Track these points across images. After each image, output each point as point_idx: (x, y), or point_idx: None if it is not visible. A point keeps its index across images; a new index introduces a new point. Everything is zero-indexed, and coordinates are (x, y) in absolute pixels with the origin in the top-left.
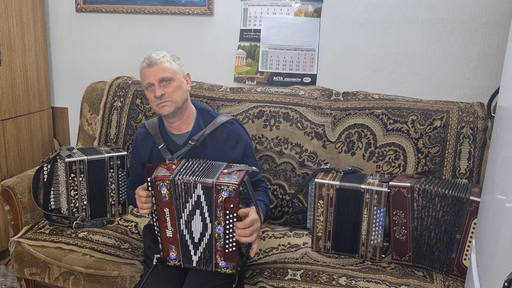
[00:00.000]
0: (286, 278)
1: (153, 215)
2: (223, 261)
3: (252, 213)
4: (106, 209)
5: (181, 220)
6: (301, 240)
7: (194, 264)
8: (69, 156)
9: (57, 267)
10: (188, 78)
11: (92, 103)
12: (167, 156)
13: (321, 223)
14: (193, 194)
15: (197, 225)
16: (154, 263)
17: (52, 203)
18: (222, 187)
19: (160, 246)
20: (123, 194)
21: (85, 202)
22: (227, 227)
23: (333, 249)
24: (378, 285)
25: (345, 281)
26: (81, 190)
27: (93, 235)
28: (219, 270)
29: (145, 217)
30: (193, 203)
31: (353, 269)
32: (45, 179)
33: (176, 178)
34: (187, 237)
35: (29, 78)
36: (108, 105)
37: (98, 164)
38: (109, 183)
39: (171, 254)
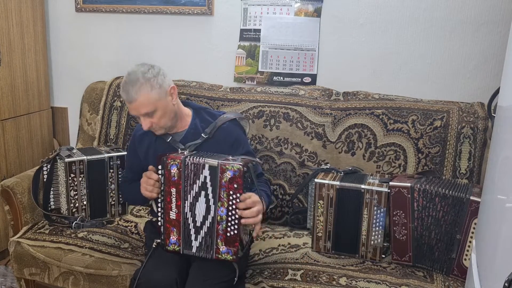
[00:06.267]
0: (286, 278)
1: (159, 196)
2: (224, 246)
3: (253, 195)
4: (105, 209)
5: (186, 202)
6: (301, 240)
7: (194, 251)
8: (69, 156)
9: (56, 267)
10: (173, 91)
11: (92, 103)
12: (179, 146)
13: (321, 223)
14: (201, 175)
15: (200, 208)
16: (154, 246)
17: (52, 203)
18: (227, 166)
19: (162, 229)
20: None
21: (84, 202)
22: (230, 208)
23: (333, 249)
24: (378, 285)
25: (345, 281)
26: (81, 190)
27: (92, 235)
28: (219, 256)
29: (145, 217)
30: (199, 185)
31: (353, 269)
32: (44, 179)
33: (187, 159)
34: (190, 220)
35: (28, 78)
36: (108, 105)
37: (98, 164)
38: (109, 183)
39: (171, 237)
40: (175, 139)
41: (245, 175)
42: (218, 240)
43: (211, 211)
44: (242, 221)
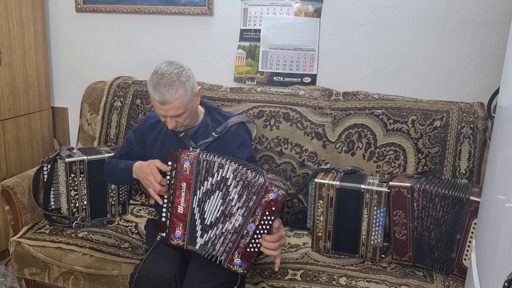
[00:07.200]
0: (286, 278)
1: (169, 189)
2: (239, 259)
3: (281, 228)
4: (106, 209)
5: (195, 197)
6: (301, 240)
7: (197, 247)
8: (69, 156)
9: (57, 267)
10: (199, 92)
11: (92, 103)
12: (191, 145)
13: (321, 223)
14: (216, 174)
15: (213, 206)
16: (158, 239)
17: (52, 203)
18: (273, 188)
19: (168, 223)
20: (123, 194)
21: (85, 202)
22: (260, 227)
23: (333, 249)
24: (378, 285)
25: (345, 281)
26: (81, 190)
27: (93, 235)
28: (231, 267)
29: (145, 217)
30: (213, 182)
31: (353, 269)
32: (45, 179)
33: (201, 155)
34: (197, 216)
35: (29, 78)
36: (108, 105)
37: (98, 164)
38: (109, 183)
39: (176, 232)
40: (187, 134)
41: (285, 201)
42: (236, 252)
43: (233, 219)
44: (262, 249)
